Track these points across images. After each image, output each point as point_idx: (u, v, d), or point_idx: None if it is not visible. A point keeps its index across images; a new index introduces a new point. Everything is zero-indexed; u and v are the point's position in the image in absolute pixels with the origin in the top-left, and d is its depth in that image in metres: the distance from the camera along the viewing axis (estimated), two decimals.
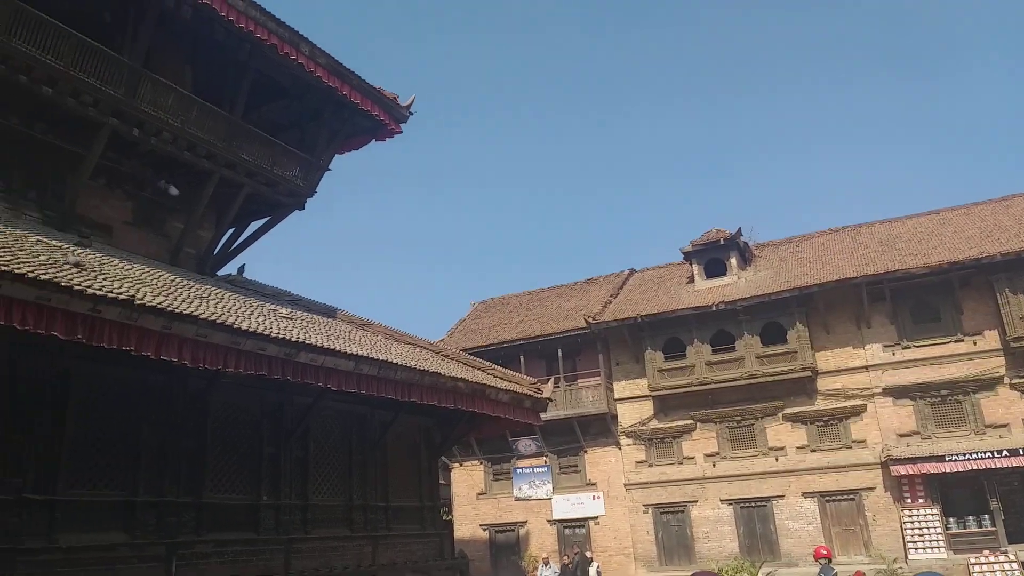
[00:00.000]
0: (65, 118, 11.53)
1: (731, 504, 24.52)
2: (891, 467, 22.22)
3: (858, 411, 23.57)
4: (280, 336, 9.76)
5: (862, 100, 68.23)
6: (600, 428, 26.72)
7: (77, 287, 7.53)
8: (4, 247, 8.04)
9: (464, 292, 76.81)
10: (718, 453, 25.07)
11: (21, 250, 8.32)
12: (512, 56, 78.25)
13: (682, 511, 25.16)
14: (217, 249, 14.66)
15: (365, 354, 11.23)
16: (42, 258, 8.28)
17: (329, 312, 15.04)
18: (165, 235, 13.61)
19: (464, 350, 20.86)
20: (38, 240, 9.65)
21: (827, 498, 23.50)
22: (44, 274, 7.37)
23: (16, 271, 7.08)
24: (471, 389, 13.24)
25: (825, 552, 12.78)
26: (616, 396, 26.80)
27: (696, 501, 24.96)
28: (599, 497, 26.39)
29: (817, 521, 23.38)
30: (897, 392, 23.13)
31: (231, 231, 15.04)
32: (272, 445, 11.74)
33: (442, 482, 20.91)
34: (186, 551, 10.05)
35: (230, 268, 15.16)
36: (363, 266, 77.18)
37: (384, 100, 15.22)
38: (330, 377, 10.59)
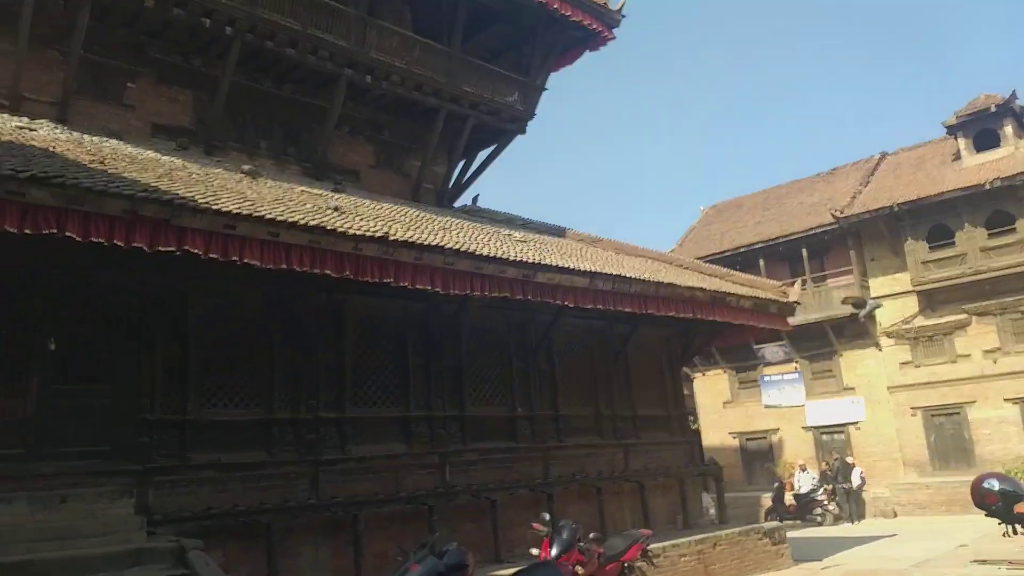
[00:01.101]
0: (307, 75, 12.62)
1: (1018, 403, 21.88)
2: None
3: None
4: (518, 259, 10.13)
5: None
6: (855, 330, 24.88)
7: (340, 229, 8.32)
8: (277, 199, 9.08)
9: (691, 199, 74.37)
10: (999, 348, 22.32)
11: (291, 200, 9.35)
12: None
13: (957, 413, 22.92)
14: (451, 182, 15.42)
15: (599, 270, 11.32)
16: (308, 206, 9.24)
17: (559, 232, 15.32)
18: (405, 174, 14.56)
19: (697, 259, 20.31)
20: (302, 190, 10.78)
21: None
22: (312, 220, 8.22)
23: (290, 219, 7.98)
24: (710, 298, 12.90)
25: None
26: (872, 294, 24.71)
27: (974, 401, 22.57)
28: (859, 402, 24.82)
29: None
30: None
31: (462, 163, 15.71)
32: (520, 360, 12.37)
33: (686, 392, 20.84)
34: (456, 459, 11.04)
35: (464, 199, 15.93)
36: (586, 182, 77.48)
37: (595, 7, 14.81)
38: (567, 294, 10.85)
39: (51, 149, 7.99)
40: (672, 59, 75.69)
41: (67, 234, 6.69)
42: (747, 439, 27.16)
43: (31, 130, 9.01)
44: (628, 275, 11.63)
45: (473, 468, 11.24)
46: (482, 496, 10.98)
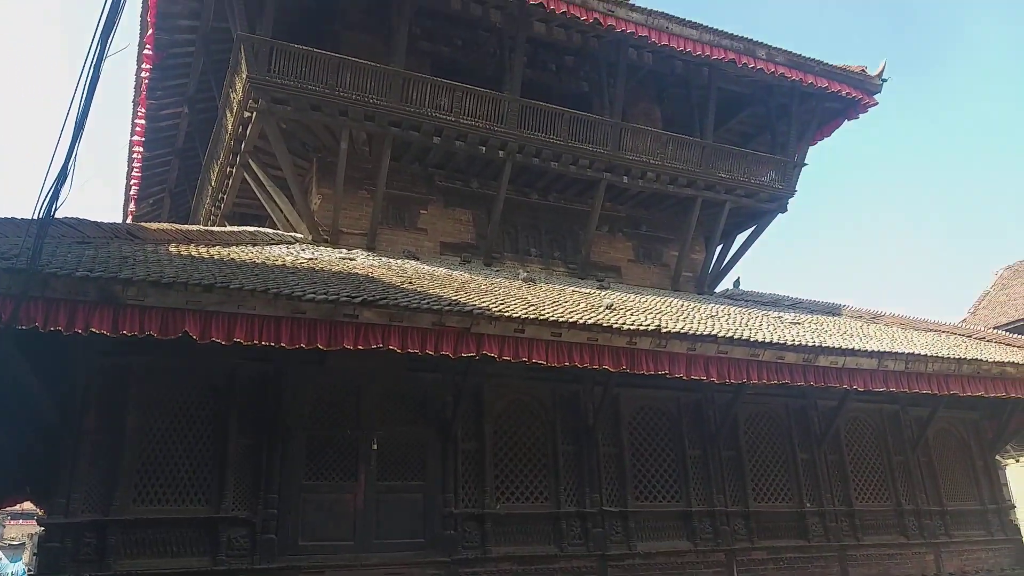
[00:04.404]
0: (569, 183, 13.52)
1: None
2: None
3: None
4: (796, 343, 9.76)
5: None
6: None
7: (616, 325, 8.68)
8: (554, 301, 9.70)
9: (978, 262, 66.07)
10: None
11: (565, 301, 9.94)
12: None
13: None
14: (710, 268, 15.35)
15: (888, 349, 10.53)
16: (582, 305, 9.75)
17: (833, 310, 14.48)
18: (664, 264, 14.79)
19: (996, 328, 18.01)
20: (572, 291, 11.40)
21: None
22: (589, 319, 8.68)
23: (570, 320, 8.49)
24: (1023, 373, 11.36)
25: None
26: None
27: None
28: None
29: None
30: None
31: (719, 248, 15.61)
32: (805, 451, 11.67)
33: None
34: (744, 557, 10.54)
35: (725, 284, 15.72)
36: (851, 255, 72.27)
37: (852, 77, 14.31)
38: (853, 377, 10.23)
39: (370, 275, 9.33)
40: (935, 111, 69.57)
41: (390, 347, 7.71)
42: None
43: (351, 259, 10.58)
44: (922, 352, 10.68)
45: (763, 567, 10.66)
46: None
